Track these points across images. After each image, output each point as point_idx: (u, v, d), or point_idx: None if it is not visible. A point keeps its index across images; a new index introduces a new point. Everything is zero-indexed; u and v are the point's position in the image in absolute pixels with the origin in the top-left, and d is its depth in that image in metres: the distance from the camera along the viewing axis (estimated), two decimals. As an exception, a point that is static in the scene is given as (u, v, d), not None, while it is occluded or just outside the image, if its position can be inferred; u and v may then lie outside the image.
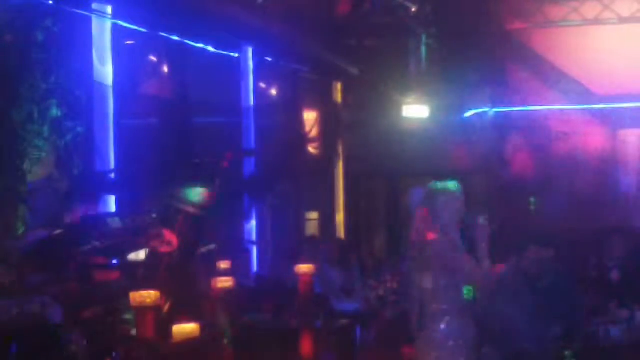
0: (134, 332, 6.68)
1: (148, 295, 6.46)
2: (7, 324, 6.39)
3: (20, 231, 8.66)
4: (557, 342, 8.51)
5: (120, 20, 10.20)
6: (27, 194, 8.88)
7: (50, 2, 9.16)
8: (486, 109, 17.17)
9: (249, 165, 12.60)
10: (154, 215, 7.80)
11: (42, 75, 9.14)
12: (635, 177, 17.27)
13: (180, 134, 11.78)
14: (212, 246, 8.46)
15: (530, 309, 8.54)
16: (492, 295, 8.25)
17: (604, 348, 9.09)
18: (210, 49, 12.25)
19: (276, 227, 13.98)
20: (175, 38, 11.50)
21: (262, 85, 13.88)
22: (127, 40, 10.68)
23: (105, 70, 9.88)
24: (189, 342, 6.95)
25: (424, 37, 16.34)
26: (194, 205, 7.33)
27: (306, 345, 8.46)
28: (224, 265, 8.44)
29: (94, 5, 9.82)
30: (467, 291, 7.41)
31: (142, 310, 6.46)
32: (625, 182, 17.28)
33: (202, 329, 7.12)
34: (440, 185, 7.59)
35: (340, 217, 16.49)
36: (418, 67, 16.44)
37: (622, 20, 16.95)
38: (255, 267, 12.80)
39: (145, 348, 6.38)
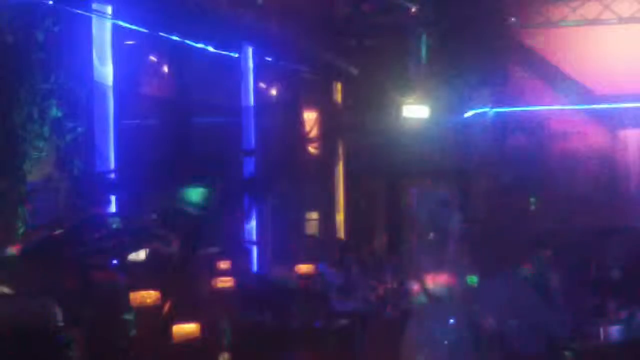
0: (134, 332, 6.68)
1: (148, 295, 6.48)
2: (7, 324, 6.38)
3: (20, 231, 8.65)
4: (557, 342, 8.51)
5: (120, 20, 10.19)
6: (27, 194, 8.86)
7: (50, 2, 9.15)
8: (486, 109, 17.17)
9: (249, 165, 12.59)
10: (154, 216, 7.80)
11: (42, 76, 9.14)
12: (636, 177, 17.28)
13: (180, 134, 11.77)
14: (215, 249, 8.45)
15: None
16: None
17: (604, 348, 9.09)
18: (210, 49, 12.23)
19: (276, 227, 13.96)
20: (175, 38, 11.49)
21: (262, 85, 13.87)
22: (127, 40, 10.67)
23: (105, 70, 9.88)
24: (189, 342, 6.96)
25: (424, 37, 16.34)
26: (194, 205, 7.34)
27: (306, 345, 8.46)
28: (224, 265, 8.45)
29: (94, 5, 9.82)
30: (470, 280, 7.35)
31: (142, 310, 6.47)
32: (624, 182, 17.29)
33: (202, 329, 7.13)
34: None
35: (340, 217, 16.48)
36: (418, 67, 16.43)
37: (622, 20, 16.97)
38: (255, 267, 12.79)
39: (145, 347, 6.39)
